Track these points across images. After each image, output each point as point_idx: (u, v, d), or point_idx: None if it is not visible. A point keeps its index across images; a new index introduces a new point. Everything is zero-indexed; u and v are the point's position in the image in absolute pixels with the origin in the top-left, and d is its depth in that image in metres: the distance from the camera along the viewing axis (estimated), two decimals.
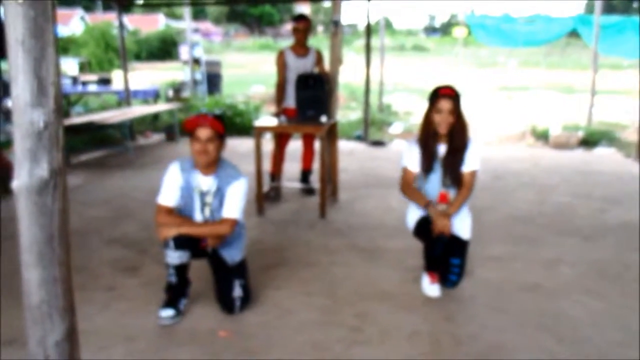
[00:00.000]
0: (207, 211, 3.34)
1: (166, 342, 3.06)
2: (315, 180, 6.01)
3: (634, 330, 3.15)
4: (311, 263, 4.15)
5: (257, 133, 5.15)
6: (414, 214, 3.65)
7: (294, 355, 2.94)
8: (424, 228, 3.56)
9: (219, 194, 3.32)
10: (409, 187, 3.56)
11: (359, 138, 9.43)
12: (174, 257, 3.23)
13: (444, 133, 3.45)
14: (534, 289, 3.71)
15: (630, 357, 2.90)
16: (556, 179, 6.82)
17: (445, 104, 3.39)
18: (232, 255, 3.43)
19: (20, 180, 1.37)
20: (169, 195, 3.31)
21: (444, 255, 3.56)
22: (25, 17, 1.30)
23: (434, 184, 3.55)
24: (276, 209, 5.53)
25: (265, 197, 5.56)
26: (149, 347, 3.01)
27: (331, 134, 5.57)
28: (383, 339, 3.09)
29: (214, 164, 3.31)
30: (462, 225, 3.62)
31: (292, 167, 6.29)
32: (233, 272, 3.42)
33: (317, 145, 5.59)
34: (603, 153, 8.59)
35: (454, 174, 3.51)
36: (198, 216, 3.35)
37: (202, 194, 3.32)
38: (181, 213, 3.35)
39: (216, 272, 3.47)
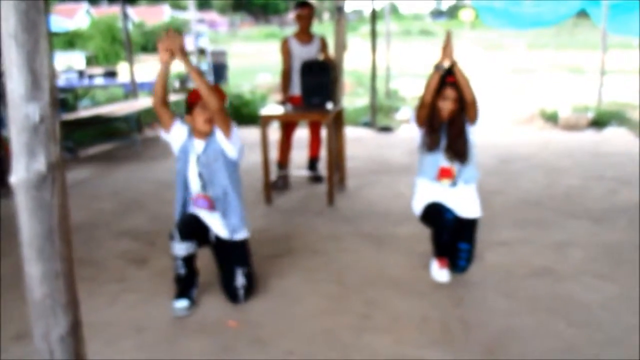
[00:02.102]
0: (204, 172, 3.32)
1: (176, 334, 3.06)
2: (322, 167, 5.99)
3: None
4: (319, 251, 4.14)
5: (263, 122, 5.14)
6: (420, 199, 3.64)
7: (304, 343, 2.94)
8: (431, 214, 3.54)
9: (210, 148, 3.32)
10: (422, 95, 3.49)
11: (367, 124, 9.38)
12: (181, 248, 3.23)
13: (446, 120, 3.46)
14: (544, 273, 3.68)
15: None
16: (566, 161, 6.76)
17: (450, 93, 3.40)
18: (231, 225, 3.37)
19: (17, 175, 1.35)
20: (174, 136, 3.37)
21: (452, 240, 3.54)
22: (17, 11, 1.29)
23: (437, 158, 3.54)
24: (284, 197, 5.52)
25: (273, 185, 5.54)
26: (159, 338, 3.02)
27: (337, 121, 5.54)
28: (393, 326, 3.09)
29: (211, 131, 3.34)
30: (469, 204, 3.60)
31: (299, 155, 6.27)
32: (235, 260, 3.41)
33: (323, 132, 5.56)
34: (613, 134, 8.50)
35: (456, 151, 3.52)
36: (193, 179, 3.34)
37: (198, 157, 3.32)
38: (177, 176, 3.38)
39: (219, 261, 3.47)
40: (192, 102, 3.28)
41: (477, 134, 3.59)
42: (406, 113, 10.36)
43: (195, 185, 3.35)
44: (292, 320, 3.16)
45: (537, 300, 3.32)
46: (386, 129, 9.06)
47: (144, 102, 9.16)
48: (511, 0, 11.99)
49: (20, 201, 1.39)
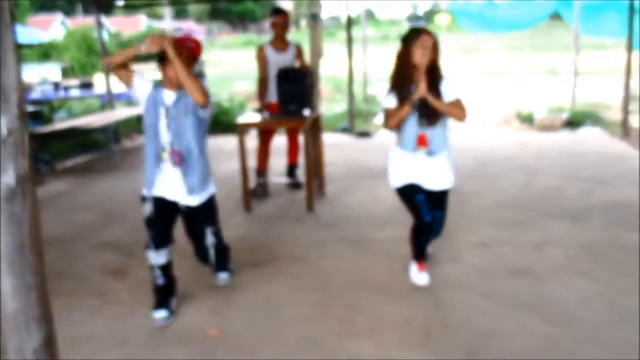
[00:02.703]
0: (172, 124, 3.23)
1: (157, 344, 3.04)
2: (301, 174, 5.99)
3: (623, 309, 3.17)
4: (300, 257, 4.14)
5: (240, 130, 5.13)
6: (398, 172, 3.59)
7: (286, 350, 2.93)
8: (408, 196, 3.58)
9: (181, 102, 3.25)
10: (390, 117, 3.51)
11: (345, 130, 9.41)
12: (158, 256, 3.24)
13: (424, 69, 3.38)
14: (523, 273, 3.71)
15: (620, 335, 2.91)
16: (543, 161, 6.84)
17: (428, 41, 3.39)
18: (190, 184, 3.30)
19: None
20: (140, 87, 3.28)
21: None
22: None
23: (412, 126, 3.48)
24: (263, 205, 5.51)
25: (252, 193, 5.54)
26: (141, 350, 3.00)
27: (315, 127, 5.55)
28: (374, 330, 3.09)
29: None
30: (444, 175, 3.59)
31: (278, 162, 6.27)
32: (203, 220, 3.42)
33: (301, 139, 5.57)
34: (588, 133, 8.63)
35: (429, 113, 3.44)
36: (163, 131, 3.23)
37: (167, 109, 3.24)
38: (146, 129, 3.27)
39: (189, 226, 3.47)
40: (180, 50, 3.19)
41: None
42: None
43: (165, 138, 3.24)
44: (274, 328, 3.16)
45: (516, 299, 3.35)
46: (364, 134, 9.09)
47: (120, 113, 9.10)
48: (486, 3, 12.15)
49: None
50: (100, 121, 7.89)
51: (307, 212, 5.15)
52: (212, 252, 3.45)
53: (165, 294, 3.34)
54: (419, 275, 3.64)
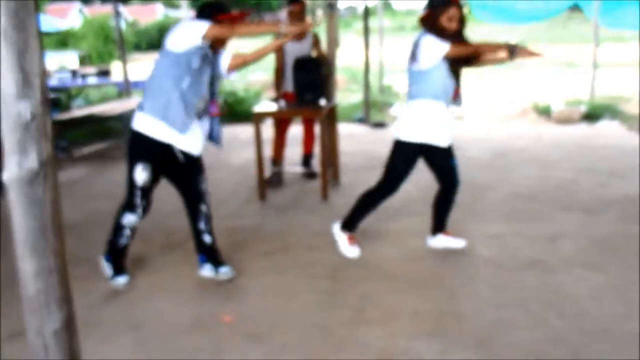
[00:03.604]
0: (215, 82, 3.46)
1: (171, 330, 3.08)
2: (316, 164, 6.02)
3: (635, 302, 3.16)
4: (313, 246, 4.17)
5: (256, 119, 5.16)
6: (427, 125, 3.61)
7: (299, 338, 2.96)
8: (414, 158, 3.69)
9: (218, 61, 3.48)
10: (469, 44, 3.57)
11: (360, 120, 9.41)
12: (137, 221, 3.53)
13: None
14: (535, 265, 3.72)
15: (631, 329, 2.91)
16: (558, 154, 6.80)
17: (456, 12, 3.50)
18: (216, 130, 3.59)
19: (9, 172, 1.38)
20: (187, 37, 3.25)
21: (444, 167, 3.74)
22: (6, 10, 1.31)
23: (449, 79, 3.60)
24: (278, 194, 5.54)
25: (268, 182, 5.57)
26: (154, 335, 3.04)
27: (331, 117, 5.56)
28: (386, 319, 3.11)
29: None
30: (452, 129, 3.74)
31: (293, 151, 6.29)
32: (200, 167, 3.58)
33: (317, 129, 5.59)
34: (606, 127, 8.55)
35: (458, 70, 3.67)
36: (205, 86, 3.38)
37: (211, 62, 3.38)
38: (190, 81, 3.28)
39: (185, 177, 3.58)
40: (221, 19, 3.30)
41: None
42: (399, 108, 10.38)
43: (205, 90, 3.38)
44: (286, 315, 3.19)
45: (527, 291, 3.36)
46: (380, 125, 9.08)
47: (137, 100, 9.15)
48: None
49: (13, 198, 1.41)
50: (117, 109, 7.96)
51: (322, 202, 5.18)
52: (203, 220, 3.57)
53: (124, 258, 3.59)
54: (351, 248, 3.93)
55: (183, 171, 3.49)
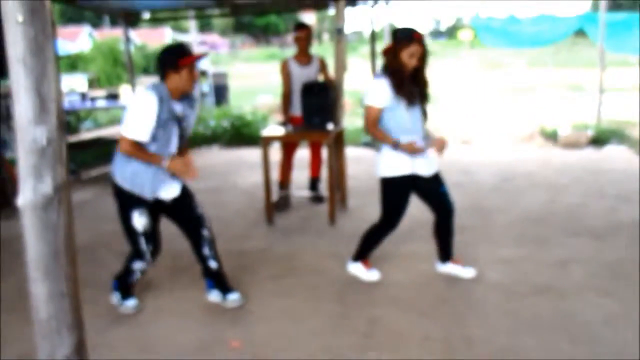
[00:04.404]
0: (183, 134, 3.40)
1: (179, 354, 3.06)
2: (323, 187, 6.02)
3: None
4: (321, 270, 4.15)
5: (264, 143, 5.17)
6: (402, 162, 3.66)
7: None
8: (404, 188, 3.71)
9: (186, 107, 3.39)
10: (375, 125, 3.65)
11: (367, 144, 9.42)
12: (148, 266, 3.51)
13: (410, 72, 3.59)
14: (546, 291, 3.68)
15: None
16: (566, 178, 6.78)
17: (418, 50, 3.53)
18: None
19: (24, 197, 1.38)
20: (144, 129, 3.17)
21: (434, 194, 3.81)
22: (26, 36, 1.32)
23: (417, 118, 3.67)
24: (286, 217, 5.53)
25: (275, 206, 5.57)
26: (162, 359, 3.02)
27: (338, 141, 5.57)
28: (395, 344, 3.09)
29: None
30: (431, 161, 3.77)
31: (300, 175, 6.30)
32: (190, 200, 3.52)
33: (324, 152, 5.60)
34: (613, 151, 8.53)
35: (425, 95, 3.72)
36: (174, 143, 3.33)
37: (179, 120, 3.33)
38: (157, 144, 3.24)
39: (179, 215, 3.53)
40: (185, 63, 3.24)
41: None
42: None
43: (173, 148, 3.34)
44: (295, 339, 3.17)
45: (539, 317, 3.32)
46: None
47: None
48: (508, 19, 12.12)
49: (27, 222, 1.41)
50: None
51: (329, 225, 5.17)
52: (206, 246, 3.53)
53: (133, 286, 3.62)
54: (370, 273, 3.94)
55: (174, 206, 3.47)
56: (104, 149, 8.48)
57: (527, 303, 3.52)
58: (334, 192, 5.22)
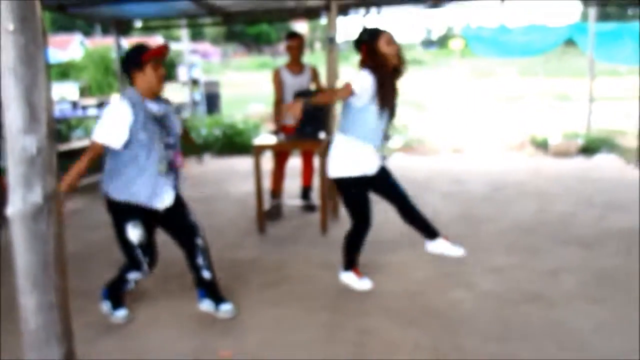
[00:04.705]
0: (170, 133, 3.33)
1: None
2: (315, 196, 6.02)
3: (638, 336, 3.13)
4: (313, 279, 4.15)
5: (256, 151, 5.17)
6: (357, 163, 3.69)
7: None
8: (361, 188, 3.75)
9: (168, 113, 3.36)
10: (336, 94, 3.73)
11: None
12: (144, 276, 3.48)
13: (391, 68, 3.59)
14: (537, 299, 3.69)
15: None
16: (557, 187, 6.82)
17: (392, 38, 3.57)
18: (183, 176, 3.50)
19: (14, 207, 1.38)
20: (115, 135, 3.16)
21: (387, 187, 3.86)
22: (16, 45, 1.32)
23: (382, 125, 3.70)
24: (277, 226, 5.52)
25: (267, 215, 5.56)
26: None
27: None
28: (387, 354, 3.08)
29: None
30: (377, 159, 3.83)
31: (292, 184, 6.30)
32: (184, 209, 3.51)
33: (316, 161, 5.60)
34: (603, 160, 8.59)
35: (393, 111, 3.74)
36: (158, 144, 3.25)
37: (160, 119, 3.28)
38: (140, 145, 3.20)
39: (173, 225, 3.51)
40: (147, 57, 3.21)
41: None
42: (398, 141, 10.44)
43: (159, 151, 3.26)
44: (285, 350, 3.15)
45: (529, 325, 3.33)
46: None
47: None
48: (499, 28, 12.19)
49: (16, 232, 1.40)
50: None
51: (321, 235, 5.17)
52: (200, 255, 3.49)
53: (124, 296, 3.59)
54: (362, 282, 3.92)
55: (167, 215, 3.44)
56: (96, 158, 8.45)
57: (518, 311, 3.53)
58: (325, 201, 5.22)
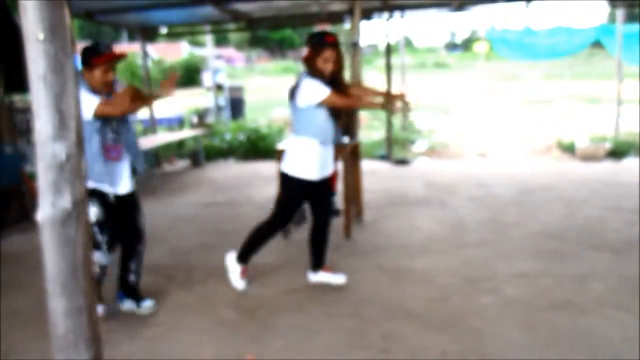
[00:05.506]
0: (118, 129, 3.49)
1: None
2: (339, 201, 6.01)
3: None
4: (336, 285, 4.13)
5: (279, 156, 5.17)
6: (310, 163, 3.77)
7: None
8: (303, 193, 3.83)
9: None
10: (348, 98, 3.77)
11: (383, 157, 9.42)
12: (106, 258, 3.61)
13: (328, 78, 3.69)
14: (565, 306, 3.63)
15: None
16: (584, 192, 6.72)
17: (331, 54, 3.64)
18: (140, 168, 3.77)
19: (43, 212, 1.40)
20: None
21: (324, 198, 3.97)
22: (46, 54, 1.34)
23: (330, 122, 3.80)
24: (301, 231, 5.52)
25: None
26: None
27: (354, 155, 5.57)
28: None
29: None
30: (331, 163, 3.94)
31: None
32: (136, 203, 3.71)
33: (340, 166, 5.60)
34: (632, 164, 8.44)
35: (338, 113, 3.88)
36: (103, 133, 3.42)
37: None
38: (95, 135, 3.37)
39: (121, 216, 3.63)
40: (96, 63, 3.34)
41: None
42: (422, 145, 10.39)
43: (104, 140, 3.43)
44: (309, 355, 3.15)
45: (557, 333, 3.28)
46: (402, 162, 9.08)
47: (162, 137, 9.30)
48: (524, 31, 12.09)
49: (46, 237, 1.42)
50: (143, 145, 8.07)
51: (345, 239, 5.16)
52: (135, 261, 3.69)
53: (99, 292, 3.61)
54: (241, 281, 4.00)
55: (119, 208, 3.57)
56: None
57: (545, 318, 3.48)
58: (349, 205, 5.21)
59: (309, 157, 3.75)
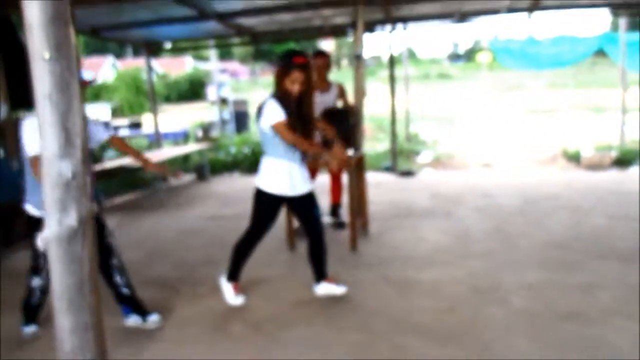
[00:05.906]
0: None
1: None
2: (345, 213, 6.00)
3: None
4: (344, 297, 4.12)
5: None
6: (280, 180, 3.83)
7: None
8: (276, 206, 3.90)
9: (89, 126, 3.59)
10: (294, 135, 3.74)
11: (388, 169, 9.42)
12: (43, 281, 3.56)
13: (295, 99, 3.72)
14: (573, 316, 3.61)
15: None
16: (591, 200, 6.70)
17: (299, 76, 3.65)
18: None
19: (50, 230, 1.41)
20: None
21: (308, 214, 3.99)
22: (52, 73, 1.36)
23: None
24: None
25: (296, 232, 5.56)
26: None
27: (359, 167, 5.58)
28: None
29: None
30: (303, 181, 3.95)
31: (321, 201, 6.28)
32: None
33: (345, 178, 5.60)
34: (638, 172, 8.41)
35: (308, 131, 3.88)
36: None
37: None
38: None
39: None
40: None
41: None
42: (427, 156, 10.39)
43: None
44: None
45: (566, 344, 3.25)
46: (408, 173, 9.08)
47: (167, 152, 9.33)
48: (527, 40, 12.10)
49: (52, 254, 1.43)
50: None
51: (351, 252, 5.15)
52: (117, 274, 3.67)
53: (37, 311, 3.67)
54: (237, 298, 4.00)
55: None
56: (127, 177, 8.60)
57: (553, 328, 3.46)
58: (355, 217, 5.20)
59: (279, 175, 3.83)
